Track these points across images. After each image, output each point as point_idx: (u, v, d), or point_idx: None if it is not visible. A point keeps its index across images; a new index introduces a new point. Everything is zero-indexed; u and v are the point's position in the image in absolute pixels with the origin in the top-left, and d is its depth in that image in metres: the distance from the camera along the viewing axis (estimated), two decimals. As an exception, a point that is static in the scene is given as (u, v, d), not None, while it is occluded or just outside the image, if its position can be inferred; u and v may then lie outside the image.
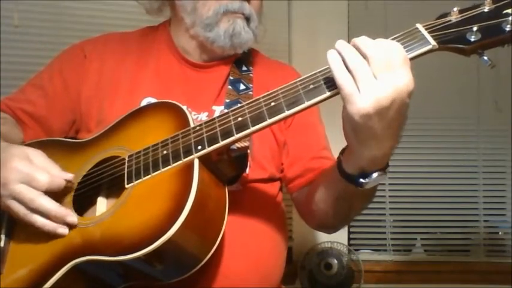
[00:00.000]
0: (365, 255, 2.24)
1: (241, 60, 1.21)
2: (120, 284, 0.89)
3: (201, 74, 1.17)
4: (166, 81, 1.15)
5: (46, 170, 0.91)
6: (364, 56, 0.74)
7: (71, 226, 0.90)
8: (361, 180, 0.85)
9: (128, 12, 1.89)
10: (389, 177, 2.26)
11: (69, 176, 0.94)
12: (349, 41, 0.77)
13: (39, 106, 1.16)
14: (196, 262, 0.86)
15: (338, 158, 0.91)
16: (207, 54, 1.17)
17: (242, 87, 1.14)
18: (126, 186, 0.91)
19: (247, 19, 1.11)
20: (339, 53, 0.76)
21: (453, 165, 2.28)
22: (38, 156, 0.93)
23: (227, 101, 1.10)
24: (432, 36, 0.77)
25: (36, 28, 1.87)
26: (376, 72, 0.73)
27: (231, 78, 1.16)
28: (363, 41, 0.75)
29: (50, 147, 1.09)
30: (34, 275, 0.87)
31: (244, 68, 1.19)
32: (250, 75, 1.18)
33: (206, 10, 1.10)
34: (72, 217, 0.90)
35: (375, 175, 0.84)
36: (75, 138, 1.15)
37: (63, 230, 0.89)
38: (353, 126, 0.77)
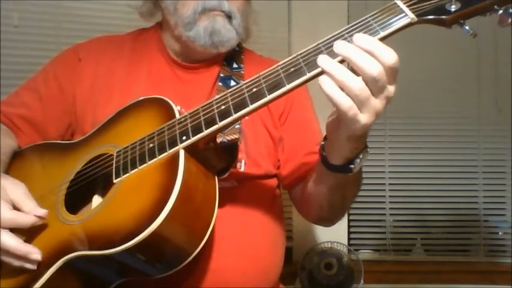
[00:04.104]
0: (365, 255, 2.24)
1: (232, 58, 1.21)
2: (111, 280, 0.89)
3: (191, 75, 1.18)
4: (158, 83, 1.15)
5: (18, 205, 0.88)
6: (361, 73, 0.73)
7: (62, 224, 0.90)
8: (350, 166, 0.88)
9: (128, 12, 1.88)
10: (389, 177, 2.28)
11: (42, 212, 0.89)
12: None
13: (34, 109, 1.16)
14: (186, 255, 0.85)
15: (321, 154, 0.92)
16: (193, 55, 1.17)
17: (233, 83, 1.14)
18: (114, 181, 0.91)
19: (229, 17, 1.11)
20: (332, 75, 0.74)
21: (453, 165, 2.27)
22: (13, 190, 0.90)
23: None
24: (411, 10, 0.77)
25: (36, 28, 1.87)
26: (376, 93, 0.74)
27: (222, 75, 1.16)
28: (360, 58, 0.73)
29: (44, 150, 1.11)
30: (26, 274, 0.87)
31: (235, 66, 1.19)
32: (242, 72, 1.18)
33: (186, 10, 1.10)
34: (36, 254, 0.86)
35: (360, 157, 0.87)
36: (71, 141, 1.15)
37: (28, 267, 0.86)
38: (349, 135, 0.80)
